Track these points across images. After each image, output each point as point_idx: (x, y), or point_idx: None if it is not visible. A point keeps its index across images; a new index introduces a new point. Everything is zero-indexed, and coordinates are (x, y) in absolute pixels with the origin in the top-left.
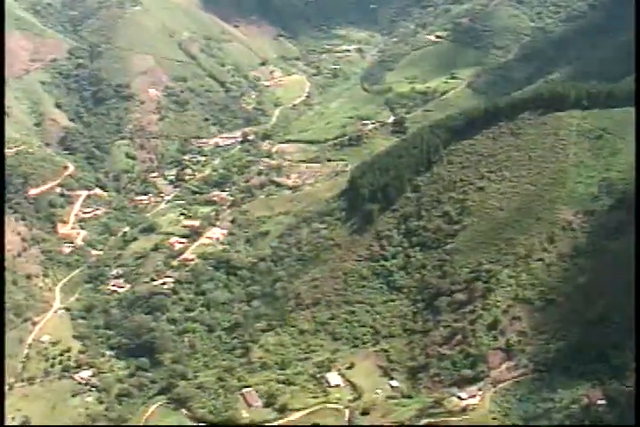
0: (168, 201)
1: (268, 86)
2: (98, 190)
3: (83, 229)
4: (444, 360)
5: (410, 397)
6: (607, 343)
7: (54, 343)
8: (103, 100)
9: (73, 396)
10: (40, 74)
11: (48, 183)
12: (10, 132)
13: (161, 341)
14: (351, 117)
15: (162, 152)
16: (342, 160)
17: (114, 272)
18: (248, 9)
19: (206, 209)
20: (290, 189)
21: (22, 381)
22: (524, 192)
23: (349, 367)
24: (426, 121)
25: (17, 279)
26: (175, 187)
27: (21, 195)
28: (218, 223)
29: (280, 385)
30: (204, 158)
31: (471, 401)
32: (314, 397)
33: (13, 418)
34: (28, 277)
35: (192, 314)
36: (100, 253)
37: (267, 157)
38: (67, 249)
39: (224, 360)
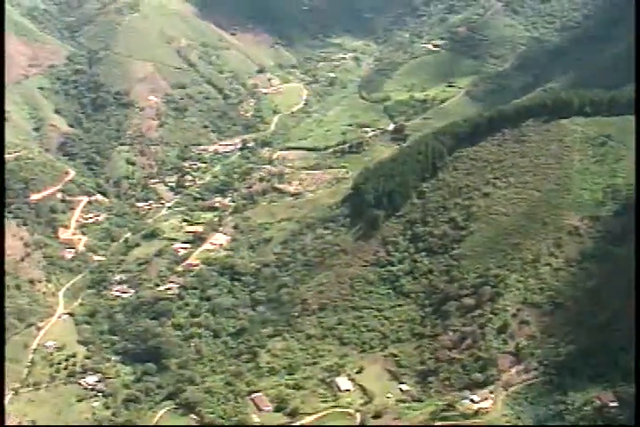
0: (169, 207)
1: (265, 94)
2: (99, 196)
3: (84, 234)
4: (454, 364)
5: (421, 400)
6: (616, 346)
7: (59, 348)
8: (102, 106)
9: (79, 401)
10: (39, 79)
11: (49, 189)
12: (9, 137)
13: (167, 346)
14: (350, 125)
15: (162, 158)
16: (343, 167)
17: (117, 278)
18: (244, 17)
19: (208, 215)
20: (291, 195)
21: (28, 386)
22: (530, 198)
23: (358, 372)
24: (425, 129)
25: (20, 284)
26: (176, 193)
27: (22, 200)
28: (221, 229)
29: (290, 390)
30: (204, 165)
31: (483, 404)
32: (324, 401)
33: (20, 423)
34: (32, 282)
35: (197, 319)
36: (102, 258)
37: (267, 163)
38: (68, 254)
39: (231, 365)
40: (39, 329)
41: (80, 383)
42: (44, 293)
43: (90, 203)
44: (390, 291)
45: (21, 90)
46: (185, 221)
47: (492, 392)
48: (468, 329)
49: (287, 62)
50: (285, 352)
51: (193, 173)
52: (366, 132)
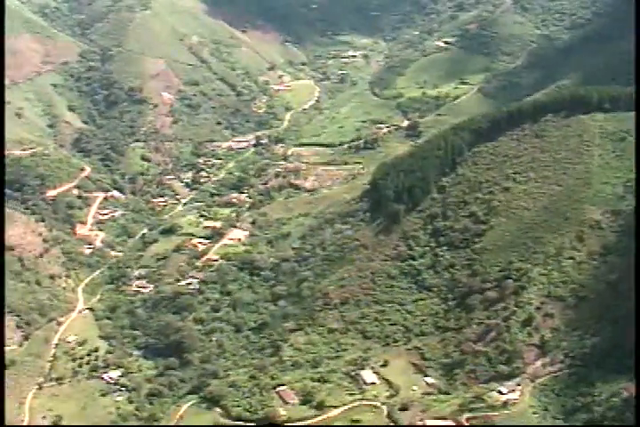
0: (185, 203)
1: (277, 91)
2: (115, 192)
3: (101, 230)
4: (479, 357)
5: (447, 393)
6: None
7: (81, 343)
8: (116, 102)
9: (102, 396)
10: (52, 76)
11: (65, 185)
12: (23, 133)
13: (189, 340)
14: (364, 121)
15: (176, 155)
16: (358, 163)
17: (135, 273)
18: (253, 15)
19: (225, 211)
20: (307, 191)
21: (51, 380)
22: (551, 192)
23: (383, 365)
24: (439, 125)
25: (40, 280)
26: (191, 189)
27: (39, 196)
28: (238, 225)
29: (315, 383)
30: (218, 161)
31: (511, 396)
32: (350, 394)
33: (44, 417)
34: (52, 277)
35: (219, 314)
36: (120, 254)
37: (282, 160)
38: (87, 250)
39: (254, 359)
40: (60, 324)
41: (103, 378)
42: (63, 288)
43: (106, 199)
44: (412, 285)
45: (35, 87)
46: (202, 216)
47: (518, 384)
48: (492, 322)
49: (297, 60)
50: (308, 346)
51: (207, 170)
52: (380, 128)
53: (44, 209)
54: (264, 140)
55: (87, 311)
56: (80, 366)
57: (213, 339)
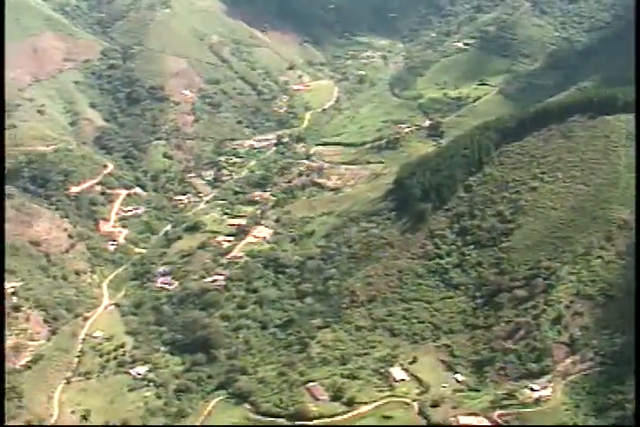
0: (207, 201)
1: (297, 90)
2: (137, 189)
3: (124, 227)
4: (509, 354)
5: (477, 390)
6: None
7: (108, 339)
8: (137, 100)
9: (130, 391)
10: (73, 74)
11: (88, 181)
12: (45, 130)
13: (216, 337)
14: (385, 121)
15: (198, 153)
16: (381, 162)
17: (160, 270)
18: (271, 15)
19: (249, 209)
20: (331, 190)
21: (79, 375)
22: (578, 192)
23: (412, 362)
24: (460, 126)
25: (66, 275)
26: (213, 187)
27: (62, 192)
28: (263, 222)
29: (344, 380)
30: (239, 160)
31: (543, 393)
32: (380, 390)
33: (73, 412)
34: (77, 273)
35: (245, 311)
36: (144, 251)
37: (304, 158)
38: (110, 246)
39: (281, 356)
40: (86, 319)
41: (130, 373)
42: (89, 284)
43: (129, 196)
44: (439, 283)
45: (56, 84)
46: (226, 214)
47: (549, 382)
48: (521, 320)
49: (316, 60)
50: (336, 343)
51: (229, 168)
52: (402, 128)
53: (67, 205)
54: (285, 139)
55: (113, 307)
56: (107, 361)
57: (240, 335)
